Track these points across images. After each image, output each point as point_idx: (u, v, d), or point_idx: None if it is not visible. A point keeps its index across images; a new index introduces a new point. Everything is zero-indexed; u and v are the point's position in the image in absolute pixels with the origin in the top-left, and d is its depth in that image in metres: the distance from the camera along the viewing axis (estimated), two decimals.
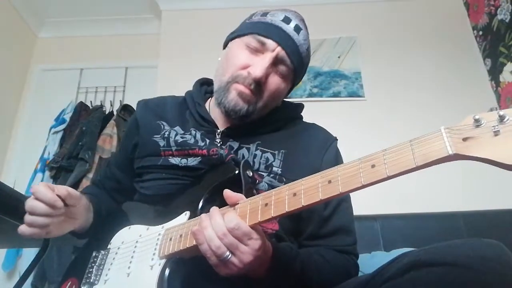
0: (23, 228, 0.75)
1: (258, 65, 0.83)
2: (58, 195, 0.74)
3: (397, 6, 2.72)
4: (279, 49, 0.85)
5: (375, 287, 0.62)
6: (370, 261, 1.49)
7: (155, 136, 0.92)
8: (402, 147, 0.51)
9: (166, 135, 0.91)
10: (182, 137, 0.89)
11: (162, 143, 0.90)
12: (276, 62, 0.85)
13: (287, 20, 0.88)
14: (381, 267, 0.65)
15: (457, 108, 2.36)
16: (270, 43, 0.85)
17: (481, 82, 2.42)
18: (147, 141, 0.93)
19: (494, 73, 2.34)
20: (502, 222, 1.84)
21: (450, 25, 2.63)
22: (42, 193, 0.73)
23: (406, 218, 1.94)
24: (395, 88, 2.48)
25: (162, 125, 0.94)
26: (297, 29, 0.88)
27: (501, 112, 0.45)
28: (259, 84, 0.84)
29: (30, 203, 0.74)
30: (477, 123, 0.47)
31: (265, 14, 0.90)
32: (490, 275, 0.52)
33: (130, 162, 0.97)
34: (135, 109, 1.04)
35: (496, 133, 0.45)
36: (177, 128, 0.92)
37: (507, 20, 2.21)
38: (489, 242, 0.57)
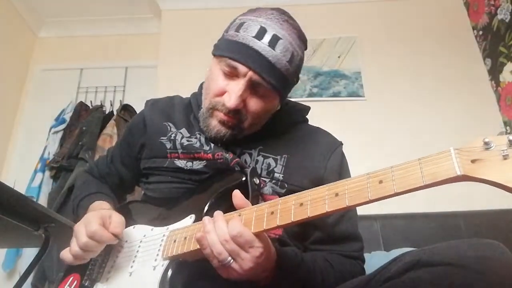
0: (66, 256, 0.76)
1: (232, 94, 0.80)
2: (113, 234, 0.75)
3: (397, 6, 2.72)
4: (251, 73, 0.79)
5: (376, 287, 0.63)
6: (370, 261, 1.48)
7: (162, 137, 0.92)
8: (410, 165, 0.52)
9: (172, 137, 0.91)
10: (188, 140, 0.90)
11: (168, 145, 0.91)
12: (251, 85, 0.81)
13: (260, 34, 0.79)
14: (381, 267, 0.65)
15: (457, 108, 2.36)
16: (241, 68, 0.79)
17: (481, 82, 2.42)
18: (154, 143, 0.93)
19: (494, 73, 2.34)
20: (502, 222, 1.84)
21: (450, 25, 2.62)
22: (100, 236, 0.73)
23: (406, 218, 1.94)
24: (395, 88, 2.48)
25: (169, 127, 0.94)
26: (274, 41, 0.79)
27: (511, 137, 0.46)
28: (237, 111, 0.82)
29: (85, 241, 0.73)
30: (487, 146, 0.47)
31: (239, 27, 0.83)
32: (490, 275, 0.52)
33: (136, 160, 0.98)
34: (135, 109, 1.05)
35: (505, 157, 0.45)
36: (183, 130, 0.92)
37: (507, 20, 2.21)
38: (489, 242, 0.57)
